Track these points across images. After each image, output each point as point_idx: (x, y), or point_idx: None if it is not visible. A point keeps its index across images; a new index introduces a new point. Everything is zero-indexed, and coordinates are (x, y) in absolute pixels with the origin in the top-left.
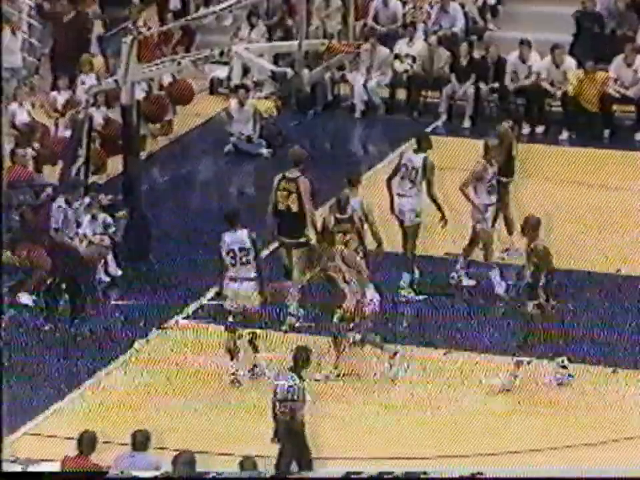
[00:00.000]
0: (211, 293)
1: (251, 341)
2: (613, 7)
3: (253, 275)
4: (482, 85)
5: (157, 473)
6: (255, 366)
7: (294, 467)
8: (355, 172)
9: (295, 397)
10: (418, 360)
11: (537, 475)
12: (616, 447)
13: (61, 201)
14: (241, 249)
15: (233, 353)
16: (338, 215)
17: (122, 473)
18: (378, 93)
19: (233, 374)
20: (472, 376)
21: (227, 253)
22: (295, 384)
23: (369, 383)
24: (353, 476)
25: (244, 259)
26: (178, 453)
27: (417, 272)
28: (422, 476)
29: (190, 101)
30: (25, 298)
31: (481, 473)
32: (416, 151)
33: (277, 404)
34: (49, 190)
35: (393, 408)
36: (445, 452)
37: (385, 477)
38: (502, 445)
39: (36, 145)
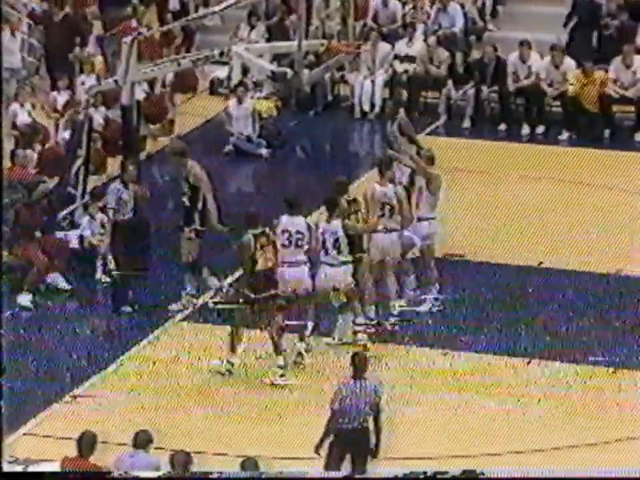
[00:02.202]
0: (211, 293)
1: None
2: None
3: (305, 259)
4: (481, 87)
5: (157, 474)
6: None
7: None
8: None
9: None
10: (415, 360)
11: (538, 475)
12: (619, 447)
13: (117, 183)
14: (297, 232)
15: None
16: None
17: (125, 472)
18: (382, 93)
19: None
20: (471, 376)
21: (282, 232)
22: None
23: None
24: (356, 476)
25: (299, 242)
26: (173, 452)
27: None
28: (420, 476)
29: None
30: (23, 299)
31: (482, 473)
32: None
33: None
34: (44, 188)
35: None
36: (445, 452)
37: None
38: (503, 445)
39: (37, 146)
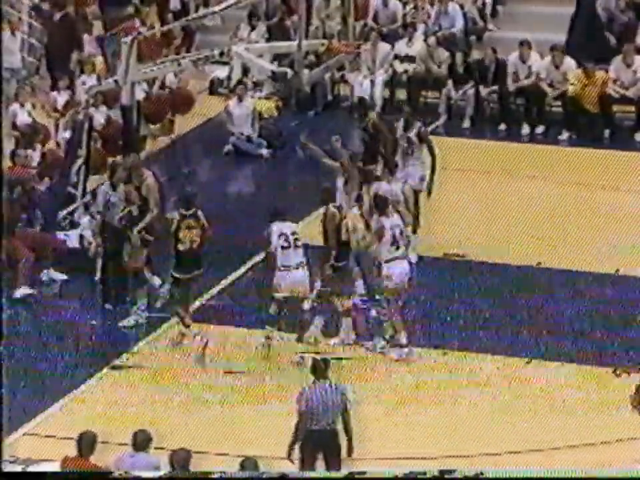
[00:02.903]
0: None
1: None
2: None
3: (304, 260)
4: (481, 88)
5: (158, 474)
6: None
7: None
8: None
9: None
10: (416, 360)
11: (538, 475)
12: (620, 447)
13: (106, 185)
14: (293, 232)
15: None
16: (183, 211)
17: (125, 472)
18: (383, 92)
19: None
20: (471, 376)
21: (279, 236)
22: None
23: (367, 383)
24: (356, 476)
25: (298, 243)
26: (173, 451)
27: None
28: (419, 477)
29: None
30: (20, 291)
31: (482, 473)
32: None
33: None
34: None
35: (392, 409)
36: (446, 452)
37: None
38: (502, 445)
39: (38, 146)
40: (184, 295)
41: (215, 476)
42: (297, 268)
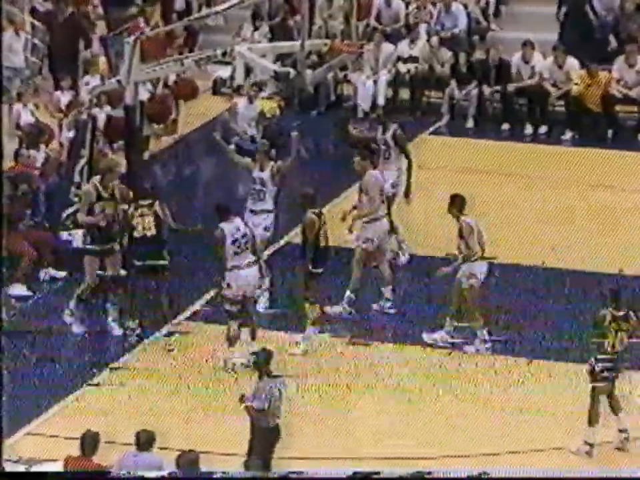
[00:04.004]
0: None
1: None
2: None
3: (254, 259)
4: (484, 88)
5: (161, 474)
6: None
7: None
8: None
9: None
10: (419, 361)
11: (541, 475)
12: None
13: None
14: (243, 236)
15: (232, 340)
16: (140, 202)
17: (128, 473)
18: (386, 92)
19: (231, 361)
20: (473, 376)
21: (233, 242)
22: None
23: (367, 382)
24: (358, 475)
25: (246, 245)
26: (180, 453)
27: None
28: (426, 476)
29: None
30: (17, 289)
31: (486, 473)
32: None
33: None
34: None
35: (392, 408)
36: (448, 452)
37: (390, 477)
38: (504, 445)
39: (42, 146)
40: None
41: (218, 476)
42: (248, 267)
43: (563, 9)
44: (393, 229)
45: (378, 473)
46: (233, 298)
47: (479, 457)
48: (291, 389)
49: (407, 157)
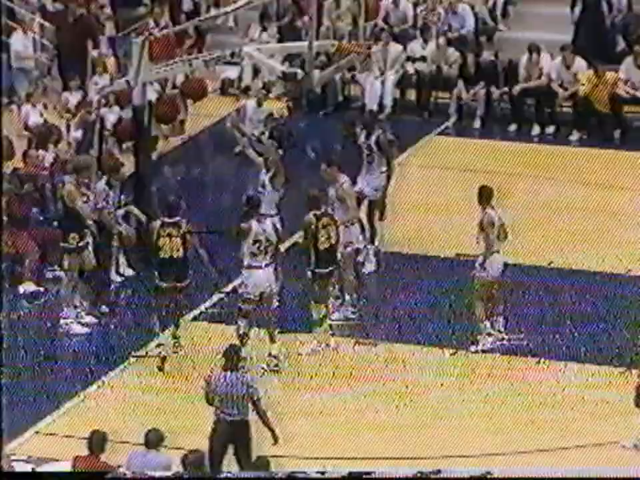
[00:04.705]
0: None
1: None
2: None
3: (272, 262)
4: (492, 89)
5: (167, 473)
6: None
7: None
8: None
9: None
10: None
11: (546, 475)
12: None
13: (102, 182)
14: (267, 239)
15: (243, 339)
16: (165, 219)
17: (133, 472)
18: (393, 93)
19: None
20: (475, 376)
21: (254, 242)
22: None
23: (367, 381)
24: (364, 476)
25: (267, 250)
26: (187, 452)
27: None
28: (432, 476)
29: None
30: (26, 287)
31: (490, 473)
32: None
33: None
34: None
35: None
36: (450, 452)
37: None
38: (508, 445)
39: (50, 147)
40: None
41: (222, 475)
42: (264, 267)
43: (577, 11)
44: (373, 233)
45: (369, 474)
46: (247, 296)
47: (483, 457)
48: (294, 387)
49: (388, 162)
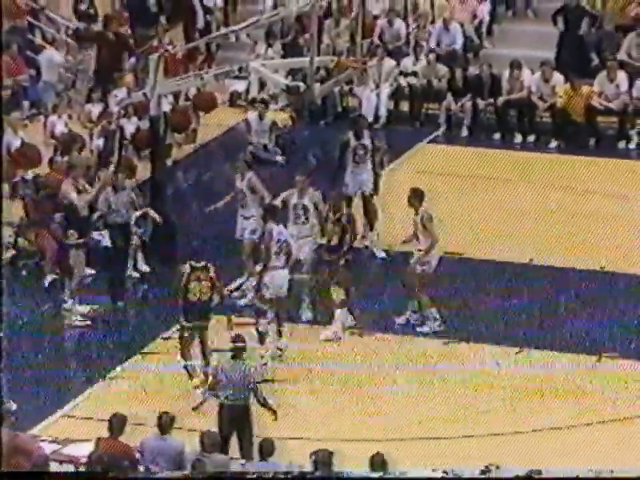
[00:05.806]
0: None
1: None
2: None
3: (286, 264)
4: (478, 100)
5: (167, 474)
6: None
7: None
8: None
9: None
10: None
11: (597, 475)
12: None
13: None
14: (284, 240)
15: (262, 337)
16: (194, 263)
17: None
18: (388, 104)
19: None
20: (471, 365)
21: (276, 242)
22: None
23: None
24: (382, 476)
25: (285, 250)
26: (203, 432)
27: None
28: (465, 476)
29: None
30: (48, 279)
31: (540, 472)
32: None
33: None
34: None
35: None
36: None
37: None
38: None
39: (75, 154)
40: (188, 340)
41: (227, 475)
42: (282, 268)
43: (559, 29)
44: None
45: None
46: (269, 297)
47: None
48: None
49: (374, 163)
